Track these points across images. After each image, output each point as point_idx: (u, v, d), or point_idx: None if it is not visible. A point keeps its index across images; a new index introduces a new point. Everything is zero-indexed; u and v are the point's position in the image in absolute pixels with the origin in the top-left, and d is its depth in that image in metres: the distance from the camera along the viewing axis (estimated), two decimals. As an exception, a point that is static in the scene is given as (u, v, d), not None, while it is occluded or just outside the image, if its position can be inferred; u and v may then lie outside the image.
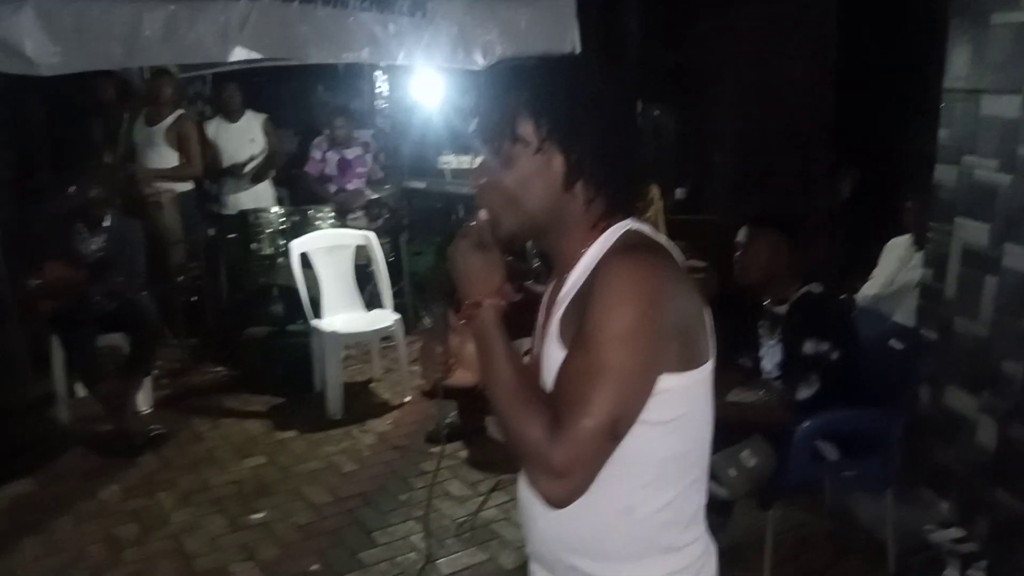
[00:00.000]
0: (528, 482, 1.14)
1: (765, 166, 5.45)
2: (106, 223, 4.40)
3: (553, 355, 1.21)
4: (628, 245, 1.20)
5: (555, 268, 1.34)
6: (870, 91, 5.26)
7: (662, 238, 1.27)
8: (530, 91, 1.20)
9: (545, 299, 1.37)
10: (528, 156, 1.20)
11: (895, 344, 3.17)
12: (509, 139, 1.21)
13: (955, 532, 3.14)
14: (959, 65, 3.12)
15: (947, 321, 3.26)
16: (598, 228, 1.24)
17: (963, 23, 3.08)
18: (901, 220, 4.16)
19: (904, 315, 3.83)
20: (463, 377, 1.45)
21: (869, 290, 4.22)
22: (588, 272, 1.21)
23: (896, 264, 4.15)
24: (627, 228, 1.24)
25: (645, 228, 1.27)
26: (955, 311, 3.22)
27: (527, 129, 1.19)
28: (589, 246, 1.24)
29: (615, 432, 1.11)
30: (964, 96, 3.11)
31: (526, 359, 1.39)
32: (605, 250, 1.21)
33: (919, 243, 3.90)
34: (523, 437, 1.12)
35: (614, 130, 1.22)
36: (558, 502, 1.12)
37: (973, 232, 3.12)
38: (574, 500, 1.12)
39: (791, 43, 5.42)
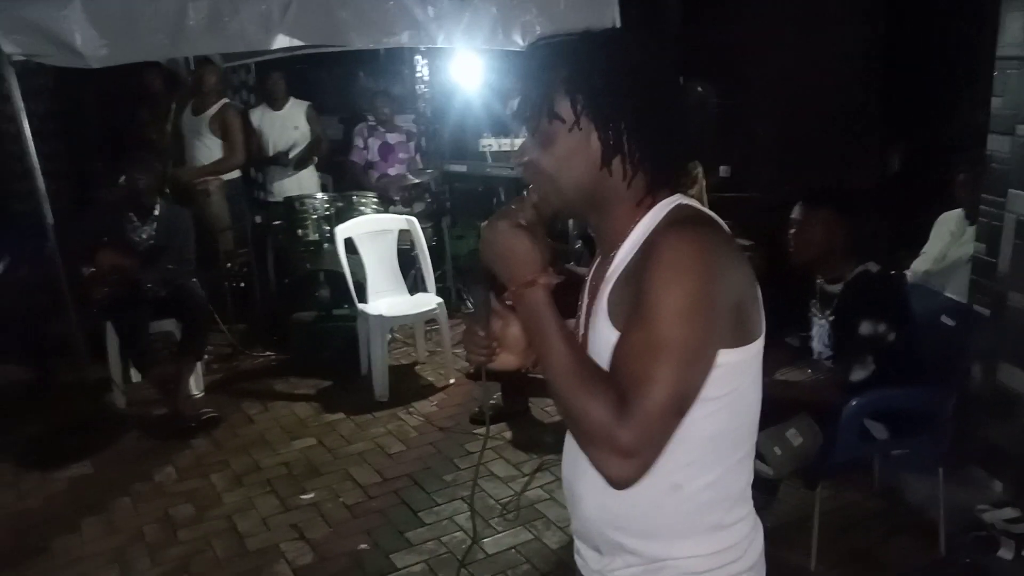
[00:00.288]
0: (593, 462, 1.11)
1: (811, 143, 5.35)
2: (156, 212, 4.50)
3: (604, 335, 1.19)
4: (680, 219, 1.19)
5: (600, 246, 1.33)
6: (920, 62, 5.12)
7: (712, 213, 1.25)
8: (567, 68, 1.19)
9: (590, 278, 1.36)
10: (565, 134, 1.19)
11: (947, 320, 3.10)
12: (547, 117, 1.20)
13: (1009, 512, 3.07)
14: (1013, 32, 3.02)
15: (1001, 296, 3.18)
16: (644, 205, 1.23)
17: (1016, -12, 2.98)
18: (952, 194, 4.05)
19: (956, 290, 3.73)
20: (507, 361, 1.46)
21: (920, 266, 4.13)
22: (637, 248, 1.19)
23: (948, 239, 4.05)
24: (676, 203, 1.23)
25: (694, 203, 1.25)
26: (1009, 286, 3.14)
27: (564, 107, 1.18)
28: (636, 223, 1.22)
29: (681, 408, 1.10)
30: (1018, 64, 3.01)
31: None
32: (654, 226, 1.20)
33: (971, 217, 3.80)
34: (587, 418, 1.09)
35: (654, 105, 1.19)
36: (626, 481, 1.09)
37: (1028, 204, 3.03)
38: (640, 478, 1.09)
39: (837, 15, 5.30)
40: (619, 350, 1.13)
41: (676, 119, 1.23)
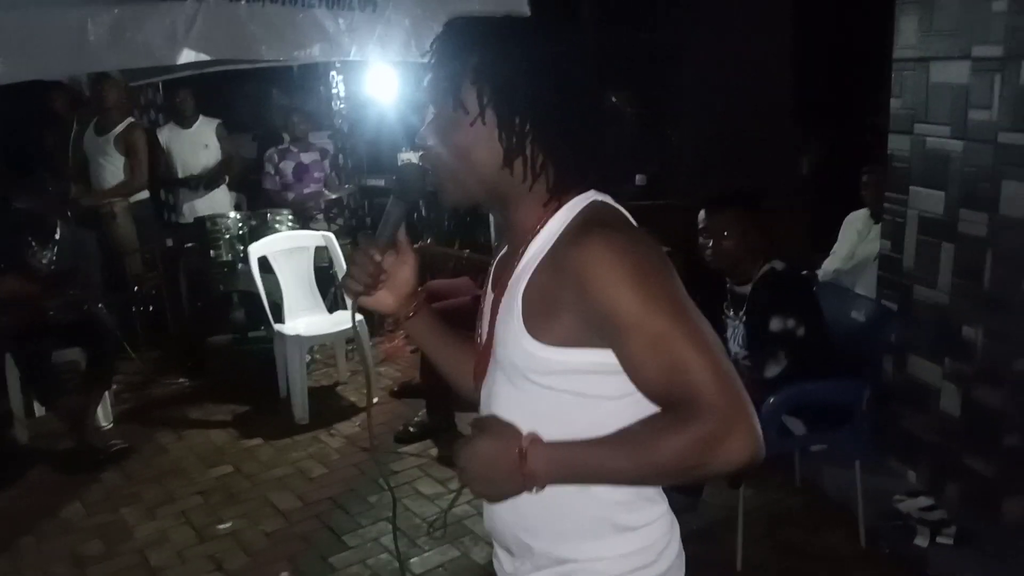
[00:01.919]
0: (722, 469, 1.03)
1: (726, 148, 5.45)
2: (57, 235, 4.29)
3: (513, 332, 1.14)
4: (596, 222, 1.12)
5: (507, 237, 1.28)
6: (827, 67, 5.28)
7: (625, 212, 1.20)
8: (478, 55, 1.12)
9: (493, 267, 1.31)
10: (468, 126, 1.13)
11: (857, 316, 3.17)
12: (452, 105, 1.13)
13: (923, 500, 3.15)
14: (908, 34, 3.13)
15: (907, 290, 3.27)
16: (552, 204, 1.17)
17: (909, -9, 3.09)
18: (858, 194, 4.18)
19: (865, 287, 3.84)
20: (383, 301, 1.35)
21: (830, 265, 4.24)
22: (548, 248, 1.14)
23: (855, 238, 4.17)
24: (590, 200, 1.18)
25: (608, 199, 1.20)
26: (914, 280, 3.23)
27: (470, 96, 1.12)
28: (544, 221, 1.17)
29: (725, 358, 1.05)
30: (914, 65, 3.11)
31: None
32: (565, 225, 1.14)
33: (876, 216, 3.92)
34: (679, 453, 1.01)
35: (566, 107, 1.13)
36: (757, 445, 1.02)
37: (928, 200, 3.13)
38: (760, 431, 1.02)
39: (747, 22, 5.43)
40: (632, 372, 1.08)
41: (589, 123, 1.16)
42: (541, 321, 1.12)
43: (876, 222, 3.91)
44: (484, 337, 1.27)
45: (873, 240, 3.87)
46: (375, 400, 4.60)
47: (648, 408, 1.11)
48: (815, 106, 5.23)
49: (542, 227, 1.17)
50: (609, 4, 6.01)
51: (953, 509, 3.07)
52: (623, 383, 1.10)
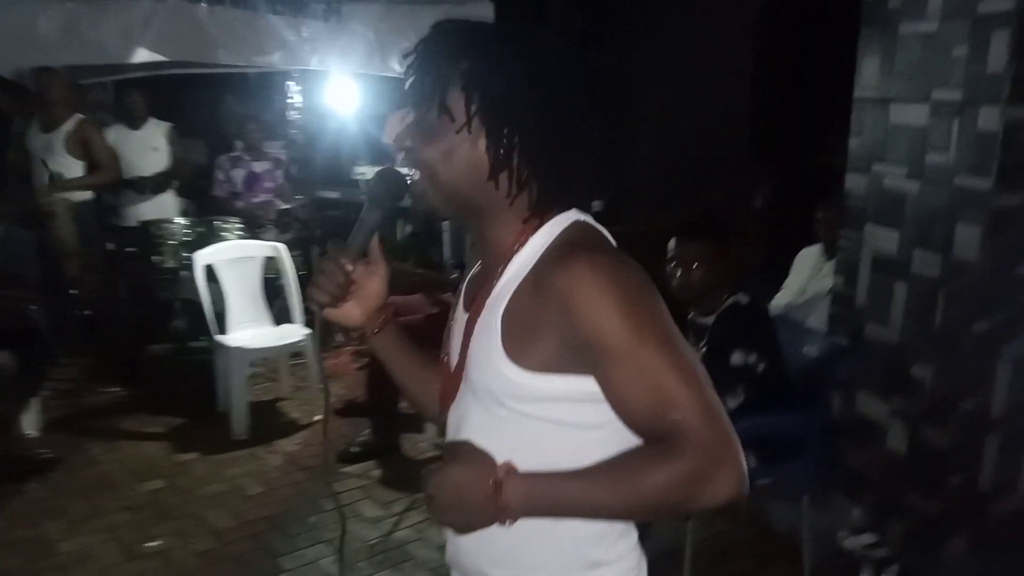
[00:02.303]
0: (706, 504, 1.01)
1: (684, 177, 5.49)
2: (-9, 233, 4.12)
3: (491, 355, 1.08)
4: (582, 243, 1.08)
5: (481, 253, 1.21)
6: (784, 102, 5.36)
7: (606, 232, 1.16)
8: (468, 60, 1.06)
9: (465, 285, 1.25)
10: (453, 133, 1.07)
11: (809, 350, 3.18)
12: (436, 110, 1.07)
13: (867, 538, 3.15)
14: (869, 74, 3.17)
15: (858, 327, 3.29)
16: (532, 221, 1.12)
17: (873, 33, 3.14)
18: (812, 229, 4.22)
19: (817, 322, 3.86)
20: (350, 314, 1.28)
21: (782, 299, 4.27)
22: (530, 268, 1.09)
23: (808, 273, 4.21)
24: (572, 220, 1.13)
25: (589, 219, 1.15)
26: (866, 317, 3.26)
27: (457, 103, 1.06)
28: (524, 240, 1.12)
29: (712, 390, 1.03)
30: (874, 105, 3.15)
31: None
32: (548, 245, 1.09)
33: (829, 252, 3.96)
34: (665, 488, 0.99)
35: (561, 116, 1.08)
36: (741, 483, 1.01)
37: (883, 239, 3.16)
38: (744, 466, 1.01)
39: (708, 53, 5.49)
40: (615, 402, 1.04)
41: (579, 139, 1.12)
42: (521, 345, 1.06)
43: (829, 258, 3.95)
44: (455, 359, 1.20)
45: (826, 276, 3.91)
46: (316, 418, 4.47)
47: (629, 438, 1.06)
48: (772, 140, 5.30)
49: (521, 245, 1.12)
50: (574, 32, 6.05)
51: (897, 547, 3.08)
52: (604, 412, 1.05)
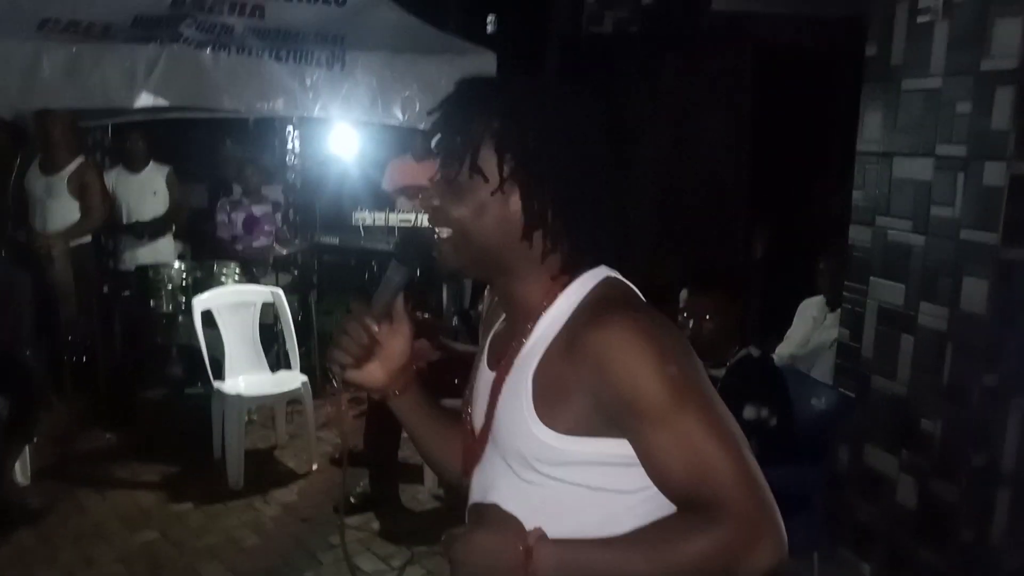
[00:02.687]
0: (747, 574, 0.99)
1: (681, 225, 5.51)
2: (-12, 276, 4.07)
3: (521, 417, 1.06)
4: (616, 301, 1.07)
5: (508, 311, 1.19)
6: (784, 154, 5.41)
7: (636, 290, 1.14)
8: (500, 119, 1.05)
9: (489, 342, 1.22)
10: (485, 193, 1.06)
11: (816, 403, 3.15)
12: (468, 168, 1.06)
13: (879, 595, 3.10)
14: (872, 128, 3.20)
15: (865, 380, 3.28)
16: (561, 278, 1.11)
17: (875, 88, 3.18)
18: (814, 281, 4.22)
19: (820, 374, 3.84)
20: (372, 376, 1.23)
21: (784, 350, 4.24)
22: (562, 327, 1.07)
23: (810, 324, 4.19)
24: (603, 276, 1.11)
25: (617, 275, 1.14)
26: (873, 370, 3.25)
27: (489, 163, 1.05)
28: (555, 296, 1.10)
29: (752, 460, 1.00)
30: (877, 159, 3.18)
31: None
32: (580, 301, 1.08)
33: (832, 303, 3.95)
34: (703, 559, 0.97)
35: (593, 173, 1.08)
36: (781, 552, 0.99)
37: (888, 292, 3.16)
38: (784, 539, 0.99)
39: (708, 103, 5.55)
40: (652, 468, 1.02)
41: (610, 195, 1.11)
42: (553, 406, 1.04)
43: (832, 310, 3.95)
44: (480, 419, 1.17)
45: (829, 327, 3.90)
46: (313, 467, 4.40)
47: (661, 506, 1.03)
48: (771, 192, 5.34)
49: (551, 303, 1.10)
50: (573, 81, 6.11)
51: (907, 604, 3.03)
52: (637, 477, 1.03)
